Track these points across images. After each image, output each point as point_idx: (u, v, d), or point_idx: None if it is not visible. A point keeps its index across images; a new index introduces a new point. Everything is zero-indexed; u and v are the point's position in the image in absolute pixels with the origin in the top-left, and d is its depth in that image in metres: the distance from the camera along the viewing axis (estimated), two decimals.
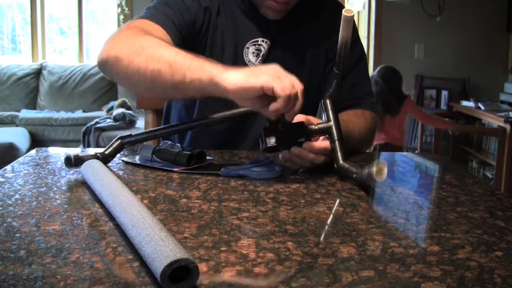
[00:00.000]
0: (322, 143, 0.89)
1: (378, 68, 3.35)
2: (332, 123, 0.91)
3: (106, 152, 0.92)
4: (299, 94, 0.80)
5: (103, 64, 0.96)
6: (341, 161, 0.87)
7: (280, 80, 0.78)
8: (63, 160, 0.87)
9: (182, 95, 0.97)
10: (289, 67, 1.16)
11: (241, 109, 0.95)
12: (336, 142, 0.89)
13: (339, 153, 0.88)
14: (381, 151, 2.93)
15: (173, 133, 1.02)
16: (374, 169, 0.73)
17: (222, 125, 1.09)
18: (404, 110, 3.26)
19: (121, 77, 0.96)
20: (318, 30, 1.18)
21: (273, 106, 0.79)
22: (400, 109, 3.22)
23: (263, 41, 1.13)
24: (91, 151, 0.95)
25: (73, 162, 0.86)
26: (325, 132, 0.91)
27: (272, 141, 0.86)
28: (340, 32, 0.90)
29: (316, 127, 0.90)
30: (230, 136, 1.17)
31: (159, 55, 0.87)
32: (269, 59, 1.14)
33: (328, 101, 0.95)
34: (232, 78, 0.79)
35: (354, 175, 0.83)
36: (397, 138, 3.24)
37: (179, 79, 0.85)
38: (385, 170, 0.73)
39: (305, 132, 0.88)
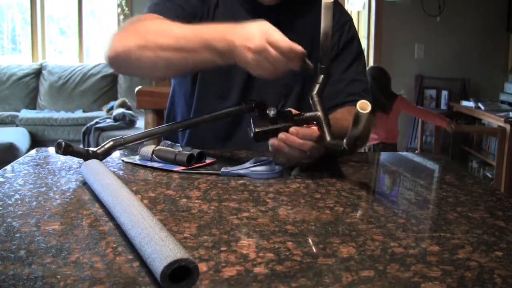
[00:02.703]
0: (308, 128, 0.89)
1: (367, 68, 3.42)
2: (319, 112, 0.91)
3: (99, 151, 0.91)
4: (282, 65, 0.84)
5: (112, 60, 0.99)
6: (328, 139, 0.88)
7: (260, 63, 0.83)
8: (55, 146, 0.86)
9: (196, 68, 1.02)
10: None
11: (235, 108, 0.97)
12: (323, 125, 0.90)
13: (326, 133, 0.89)
14: (375, 151, 2.94)
15: (169, 133, 1.03)
16: (357, 106, 0.74)
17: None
18: (396, 108, 3.31)
19: (134, 70, 1.01)
20: (313, 25, 1.19)
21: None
22: (391, 107, 3.28)
23: None
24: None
25: (63, 148, 0.85)
26: (313, 119, 0.91)
27: (259, 128, 0.88)
28: (321, 21, 0.91)
29: (303, 116, 0.91)
30: (224, 129, 1.18)
31: (164, 43, 0.91)
32: None
33: (314, 95, 0.95)
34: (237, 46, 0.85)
35: (342, 148, 0.83)
36: (389, 136, 3.27)
37: (190, 62, 0.91)
38: (368, 103, 0.74)
39: (292, 121, 0.89)
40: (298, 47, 0.84)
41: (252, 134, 0.89)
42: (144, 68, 0.97)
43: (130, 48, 0.94)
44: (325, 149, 0.90)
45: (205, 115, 0.99)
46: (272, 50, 0.82)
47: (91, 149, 0.90)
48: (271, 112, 0.87)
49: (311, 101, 0.95)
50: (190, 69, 1.00)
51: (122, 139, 0.93)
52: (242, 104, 0.99)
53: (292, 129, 0.88)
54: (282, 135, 0.88)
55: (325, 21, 0.90)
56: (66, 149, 0.85)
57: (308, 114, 0.91)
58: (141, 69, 0.98)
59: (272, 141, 0.89)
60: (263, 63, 0.83)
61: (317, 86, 0.96)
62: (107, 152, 0.92)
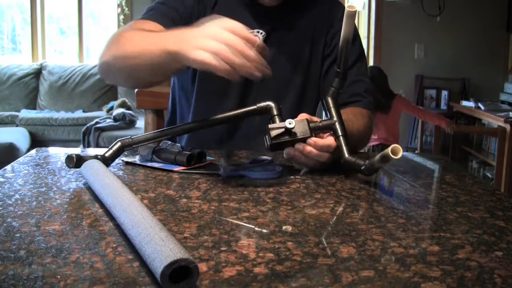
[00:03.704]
0: (326, 140, 0.89)
1: None
2: (335, 119, 0.91)
3: (106, 155, 0.90)
4: (240, 48, 0.76)
5: (99, 71, 1.05)
6: (347, 155, 0.88)
7: (215, 55, 0.76)
8: (64, 160, 0.86)
9: (163, 76, 1.01)
10: (285, 61, 1.18)
11: (240, 111, 0.95)
12: (341, 137, 0.90)
13: (344, 148, 0.89)
14: (374, 152, 2.95)
15: (176, 135, 1.02)
16: (390, 149, 0.76)
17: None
18: (396, 108, 3.32)
19: (115, 80, 1.06)
20: (314, 25, 1.19)
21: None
22: (390, 106, 3.28)
23: (258, 31, 1.14)
24: (91, 151, 0.95)
25: (75, 162, 0.84)
26: (329, 128, 0.91)
27: (277, 140, 0.87)
28: (342, 28, 0.91)
29: (320, 123, 0.91)
30: (224, 129, 1.18)
31: (125, 53, 0.93)
32: None
33: (329, 99, 0.95)
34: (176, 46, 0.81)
35: (363, 167, 0.84)
36: (390, 137, 3.28)
37: (147, 68, 0.90)
38: (400, 148, 0.76)
39: (309, 129, 0.88)
40: (253, 36, 0.78)
41: (268, 144, 0.88)
42: (121, 78, 1.01)
43: (107, 60, 0.98)
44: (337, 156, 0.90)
45: (219, 115, 0.95)
46: (227, 33, 0.76)
47: (99, 154, 0.89)
48: (290, 125, 0.86)
49: (325, 104, 0.95)
50: (156, 75, 0.96)
51: (130, 139, 0.91)
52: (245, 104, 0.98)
53: (310, 140, 0.88)
54: (299, 145, 0.88)
55: (346, 28, 0.91)
56: (78, 162, 0.84)
57: (324, 122, 0.91)
58: (119, 79, 1.03)
59: (288, 151, 0.90)
60: (221, 50, 0.76)
61: (332, 90, 0.96)
62: (116, 155, 0.90)
